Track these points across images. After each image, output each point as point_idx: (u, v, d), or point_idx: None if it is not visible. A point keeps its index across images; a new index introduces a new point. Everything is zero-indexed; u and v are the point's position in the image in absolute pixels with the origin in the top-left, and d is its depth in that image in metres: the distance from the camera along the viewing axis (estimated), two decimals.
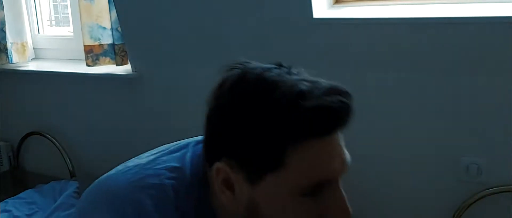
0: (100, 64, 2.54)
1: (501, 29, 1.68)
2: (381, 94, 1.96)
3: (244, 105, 0.69)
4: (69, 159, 2.77)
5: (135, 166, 0.79)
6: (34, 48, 2.94)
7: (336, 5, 2.02)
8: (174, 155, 0.81)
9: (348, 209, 0.75)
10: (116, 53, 2.45)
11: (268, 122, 0.67)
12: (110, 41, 2.49)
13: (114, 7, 2.33)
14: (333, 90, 0.71)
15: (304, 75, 0.75)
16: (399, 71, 1.90)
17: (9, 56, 2.76)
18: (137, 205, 0.72)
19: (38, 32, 2.97)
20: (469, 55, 1.77)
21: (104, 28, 2.50)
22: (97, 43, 2.52)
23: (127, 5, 2.27)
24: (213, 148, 0.74)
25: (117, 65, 2.47)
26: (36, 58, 2.95)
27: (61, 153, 2.77)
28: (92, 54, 2.52)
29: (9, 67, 2.81)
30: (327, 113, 0.67)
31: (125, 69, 2.46)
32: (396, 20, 1.85)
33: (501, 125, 1.79)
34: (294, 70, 0.75)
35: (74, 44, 2.76)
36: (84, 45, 2.52)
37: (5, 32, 2.74)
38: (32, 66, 2.84)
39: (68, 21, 2.89)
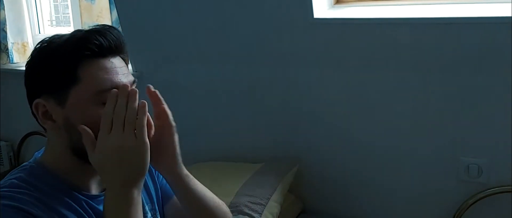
0: None
1: (501, 29, 1.68)
2: (382, 94, 1.96)
3: (44, 48, 0.91)
4: None
5: None
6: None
7: (337, 5, 2.02)
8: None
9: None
10: None
11: (60, 52, 0.89)
12: None
13: (114, 7, 2.33)
14: (107, 26, 0.93)
15: None
16: (400, 71, 1.90)
17: (9, 56, 2.77)
18: None
19: (39, 32, 2.98)
20: (469, 55, 1.77)
21: None
22: None
23: (128, 5, 2.27)
24: (31, 91, 0.93)
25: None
26: None
27: None
28: None
29: (9, 67, 2.81)
30: (104, 37, 0.89)
31: None
32: (397, 20, 1.85)
33: (502, 125, 1.79)
34: None
35: None
36: None
37: (5, 32, 2.74)
38: None
39: (69, 21, 2.89)
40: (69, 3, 2.79)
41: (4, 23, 2.74)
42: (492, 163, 1.85)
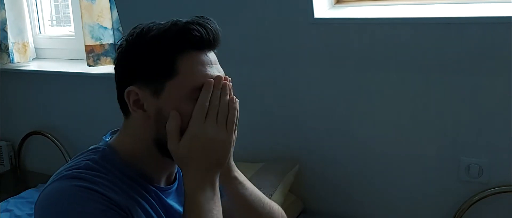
0: (101, 64, 2.54)
1: (501, 29, 1.68)
2: (382, 94, 1.96)
3: (142, 36, 0.89)
4: (70, 158, 2.77)
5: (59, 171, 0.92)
6: (35, 48, 2.95)
7: (337, 5, 2.02)
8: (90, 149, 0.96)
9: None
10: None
11: (158, 42, 0.87)
12: (111, 41, 2.49)
13: (115, 7, 2.33)
14: (206, 18, 0.91)
15: None
16: (400, 71, 1.90)
17: (10, 56, 2.77)
18: (69, 192, 0.83)
19: (39, 32, 2.98)
20: (469, 55, 1.77)
21: (105, 28, 2.50)
22: (98, 43, 2.52)
23: (128, 5, 2.27)
24: (123, 78, 0.91)
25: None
26: (37, 58, 2.95)
27: (62, 153, 2.78)
28: (93, 54, 2.52)
29: (10, 67, 2.82)
30: (205, 29, 0.88)
31: None
32: (397, 20, 1.85)
33: (502, 125, 1.79)
34: None
35: (75, 44, 2.76)
36: (85, 45, 2.52)
37: (6, 32, 2.74)
38: (33, 66, 2.84)
39: (69, 21, 2.89)
40: (69, 3, 2.79)
41: (5, 23, 2.74)
42: (492, 163, 1.85)
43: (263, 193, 2.00)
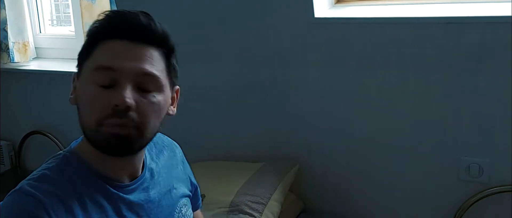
0: None
1: (501, 29, 1.68)
2: (382, 94, 1.96)
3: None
4: None
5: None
6: (35, 47, 2.95)
7: (337, 5, 2.03)
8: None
9: (124, 98, 0.85)
10: None
11: (92, 28, 0.91)
12: None
13: (115, 7, 2.33)
14: (141, 12, 0.91)
15: None
16: (400, 71, 1.90)
17: (10, 55, 2.77)
18: (20, 206, 0.83)
19: (40, 32, 2.98)
20: (469, 55, 1.77)
21: None
22: None
23: (128, 4, 2.27)
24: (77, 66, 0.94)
25: None
26: (37, 57, 2.95)
27: None
28: None
29: (10, 67, 2.81)
30: (125, 20, 0.89)
31: None
32: (397, 20, 1.85)
33: (503, 125, 1.79)
34: None
35: (75, 43, 2.76)
36: None
37: (6, 32, 2.74)
38: (34, 65, 2.84)
39: (70, 21, 2.89)
40: (69, 2, 2.79)
41: (5, 23, 2.74)
42: (492, 163, 1.85)
43: (264, 192, 2.01)
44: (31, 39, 2.89)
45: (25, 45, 2.81)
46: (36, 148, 2.99)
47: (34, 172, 0.91)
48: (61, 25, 3.10)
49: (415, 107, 1.93)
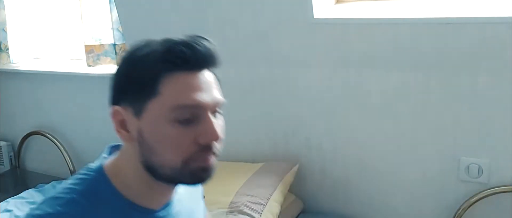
0: (101, 64, 2.54)
1: (501, 29, 1.68)
2: (382, 94, 1.96)
3: (130, 55, 0.88)
4: (70, 158, 2.77)
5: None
6: (35, 47, 2.95)
7: (337, 5, 2.02)
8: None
9: (215, 132, 0.85)
10: (117, 53, 2.45)
11: (144, 62, 0.85)
12: (111, 41, 2.49)
13: (114, 7, 2.33)
14: (197, 37, 0.88)
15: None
16: (400, 71, 1.90)
17: (10, 56, 2.77)
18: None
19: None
20: (469, 55, 1.77)
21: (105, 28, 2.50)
22: (98, 43, 2.52)
23: (128, 5, 2.27)
24: (112, 97, 0.89)
25: (118, 65, 2.46)
26: (37, 58, 2.95)
27: (62, 153, 2.78)
28: (93, 54, 2.52)
29: (10, 67, 2.82)
30: (190, 50, 0.84)
31: None
32: (397, 20, 1.85)
33: (502, 125, 1.79)
34: None
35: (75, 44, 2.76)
36: (85, 45, 2.52)
37: (6, 32, 2.74)
38: (33, 66, 2.84)
39: None
40: None
41: (5, 23, 2.74)
42: (492, 163, 1.85)
43: (264, 193, 2.01)
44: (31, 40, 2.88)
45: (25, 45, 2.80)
46: (35, 149, 2.99)
47: (61, 189, 0.89)
48: None
49: (415, 107, 1.93)
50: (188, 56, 0.84)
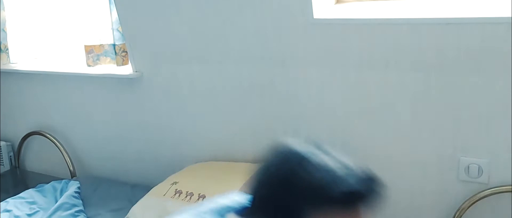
0: (100, 64, 2.54)
1: (501, 29, 1.68)
2: (382, 94, 1.96)
3: (297, 173, 0.91)
4: (70, 158, 2.77)
5: None
6: (35, 48, 2.95)
7: (337, 5, 2.02)
8: None
9: None
10: (117, 53, 2.45)
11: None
12: (110, 41, 2.49)
13: (114, 7, 2.33)
14: (366, 177, 0.92)
15: (337, 156, 0.97)
16: (400, 71, 1.90)
17: (10, 56, 2.77)
18: None
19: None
20: (469, 55, 1.77)
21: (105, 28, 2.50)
22: (97, 43, 2.52)
23: (128, 5, 2.27)
24: (258, 201, 0.93)
25: (117, 65, 2.47)
26: (36, 58, 2.95)
27: (62, 153, 2.78)
28: (93, 54, 2.52)
29: (10, 67, 2.82)
30: (358, 196, 0.88)
31: (126, 69, 2.46)
32: (397, 21, 1.85)
33: (502, 125, 1.79)
34: (326, 150, 0.97)
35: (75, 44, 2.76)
36: (85, 45, 2.52)
37: (5, 32, 2.74)
38: (33, 66, 2.84)
39: None
40: None
41: (4, 23, 2.74)
42: (492, 163, 1.85)
43: None
44: (30, 40, 2.89)
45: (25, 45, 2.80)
46: (35, 149, 2.99)
47: None
48: None
49: (414, 107, 1.93)
50: (352, 201, 0.88)
